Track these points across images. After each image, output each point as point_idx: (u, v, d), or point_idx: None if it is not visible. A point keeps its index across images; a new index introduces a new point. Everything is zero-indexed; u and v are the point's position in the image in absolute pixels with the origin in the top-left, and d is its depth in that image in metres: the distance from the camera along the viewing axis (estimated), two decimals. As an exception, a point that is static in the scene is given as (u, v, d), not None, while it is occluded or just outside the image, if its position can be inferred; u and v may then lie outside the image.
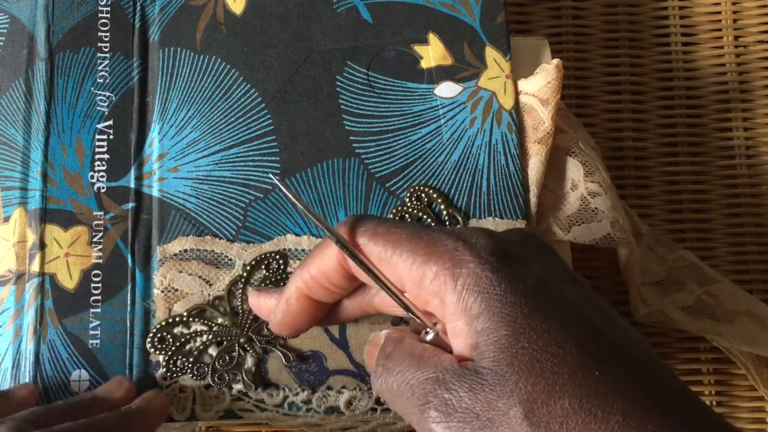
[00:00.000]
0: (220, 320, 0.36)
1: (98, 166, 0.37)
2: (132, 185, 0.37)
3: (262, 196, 0.37)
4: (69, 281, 0.36)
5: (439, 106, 0.38)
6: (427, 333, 0.27)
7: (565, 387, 0.23)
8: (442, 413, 0.24)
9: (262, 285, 0.36)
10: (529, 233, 0.29)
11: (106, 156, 0.37)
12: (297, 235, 0.37)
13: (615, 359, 0.24)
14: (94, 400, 0.33)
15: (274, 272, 0.36)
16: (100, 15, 0.38)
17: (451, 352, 0.26)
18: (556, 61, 0.38)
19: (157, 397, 0.34)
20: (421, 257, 0.26)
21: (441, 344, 0.27)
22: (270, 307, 0.32)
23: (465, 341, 0.25)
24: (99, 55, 0.38)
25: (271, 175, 0.37)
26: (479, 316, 0.24)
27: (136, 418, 0.32)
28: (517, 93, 0.39)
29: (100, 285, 0.36)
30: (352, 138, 0.38)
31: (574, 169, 0.39)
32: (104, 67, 0.38)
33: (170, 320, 0.35)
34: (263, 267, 0.36)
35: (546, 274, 0.26)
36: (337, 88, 0.38)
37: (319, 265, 0.29)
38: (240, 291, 0.36)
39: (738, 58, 0.49)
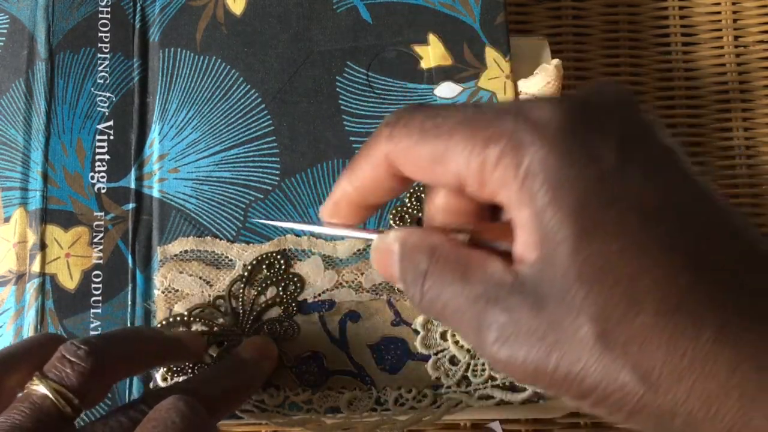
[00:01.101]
0: (220, 320, 0.36)
1: (99, 166, 0.37)
2: (132, 186, 0.37)
3: (262, 196, 0.37)
4: (69, 282, 0.36)
5: (439, 107, 0.38)
6: (458, 233, 0.23)
7: (646, 298, 0.19)
8: (500, 337, 0.21)
9: (263, 285, 0.36)
10: (623, 96, 0.23)
11: (107, 156, 0.37)
12: (297, 235, 0.37)
13: (700, 262, 0.20)
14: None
15: (275, 272, 0.36)
16: (100, 15, 0.38)
17: (497, 253, 0.22)
18: (555, 61, 0.38)
19: (269, 345, 0.35)
20: (479, 145, 0.21)
21: (481, 244, 0.22)
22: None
23: (530, 236, 0.21)
24: (99, 55, 0.38)
25: None
26: (545, 210, 0.20)
27: (256, 376, 0.34)
28: (517, 93, 0.39)
29: (100, 285, 0.36)
30: (352, 138, 0.38)
31: (574, 170, 0.39)
32: (104, 67, 0.38)
33: (171, 320, 0.35)
34: (264, 267, 0.36)
35: (631, 149, 0.21)
36: (337, 89, 0.38)
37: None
38: (240, 291, 0.36)
39: (738, 58, 0.49)
